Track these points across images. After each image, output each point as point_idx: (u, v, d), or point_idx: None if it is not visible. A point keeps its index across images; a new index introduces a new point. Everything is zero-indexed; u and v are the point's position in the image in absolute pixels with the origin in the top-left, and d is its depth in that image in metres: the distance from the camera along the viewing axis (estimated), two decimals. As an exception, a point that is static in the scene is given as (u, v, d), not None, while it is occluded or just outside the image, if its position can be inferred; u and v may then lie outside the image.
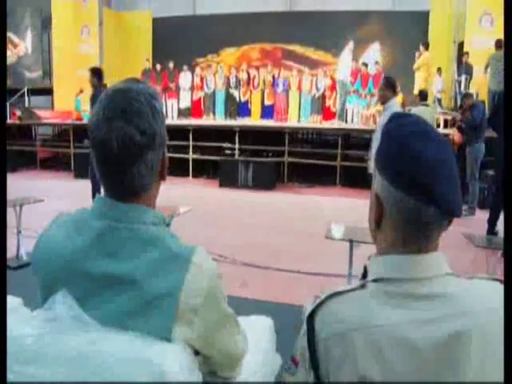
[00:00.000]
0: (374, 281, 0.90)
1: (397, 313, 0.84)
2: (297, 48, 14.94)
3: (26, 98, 14.74)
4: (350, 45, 10.08)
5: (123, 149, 1.00)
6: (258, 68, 13.71)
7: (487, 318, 0.85)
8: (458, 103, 9.70)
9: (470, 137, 7.11)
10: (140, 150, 1.02)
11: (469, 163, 7.15)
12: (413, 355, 0.81)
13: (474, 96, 9.76)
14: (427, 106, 8.30)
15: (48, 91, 14.84)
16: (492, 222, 5.62)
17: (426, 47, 10.35)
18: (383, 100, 5.10)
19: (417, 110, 8.54)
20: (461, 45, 11.38)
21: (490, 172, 8.07)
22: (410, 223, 0.89)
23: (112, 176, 1.05)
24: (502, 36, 9.16)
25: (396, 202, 0.89)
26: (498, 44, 8.99)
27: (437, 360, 0.82)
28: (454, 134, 7.75)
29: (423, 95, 8.38)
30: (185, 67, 13.73)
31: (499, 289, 0.93)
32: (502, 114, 5.22)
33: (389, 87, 5.07)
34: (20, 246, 4.33)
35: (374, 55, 13.79)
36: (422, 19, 12.85)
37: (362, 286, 0.90)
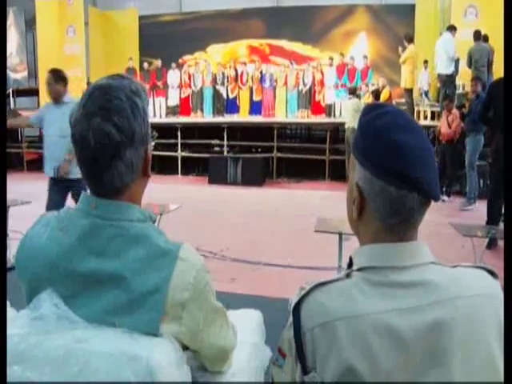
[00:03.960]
0: (359, 270, 0.90)
1: (381, 301, 0.84)
2: (284, 43, 14.91)
3: (12, 100, 14.59)
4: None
5: (100, 146, 0.99)
6: (245, 64, 13.68)
7: (471, 305, 0.86)
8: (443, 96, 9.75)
9: (470, 128, 7.10)
10: (117, 148, 1.00)
11: (468, 154, 7.14)
12: (397, 344, 0.82)
13: (461, 88, 9.83)
14: (359, 97, 9.28)
15: (34, 92, 14.70)
16: (491, 214, 5.38)
17: (410, 40, 10.37)
18: (56, 95, 4.58)
19: (350, 102, 9.02)
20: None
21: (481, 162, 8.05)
22: (395, 212, 0.89)
23: (91, 173, 1.04)
24: (486, 28, 9.20)
25: (380, 192, 0.89)
26: (476, 36, 8.94)
27: (421, 348, 0.82)
28: (442, 125, 7.79)
29: (351, 90, 9.38)
30: (173, 65, 13.67)
31: (484, 276, 0.93)
32: (495, 108, 5.20)
33: (59, 81, 4.61)
34: (7, 248, 4.30)
35: (362, 49, 13.81)
36: (408, 12, 12.91)
37: (347, 276, 0.90)
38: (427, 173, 0.89)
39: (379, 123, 0.91)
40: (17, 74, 15.59)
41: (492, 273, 0.95)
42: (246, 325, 1.43)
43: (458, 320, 0.84)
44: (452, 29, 9.26)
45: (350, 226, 1.02)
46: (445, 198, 7.71)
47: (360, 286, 0.87)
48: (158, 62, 13.90)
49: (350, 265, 0.95)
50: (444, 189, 7.95)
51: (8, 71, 14.82)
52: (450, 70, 9.39)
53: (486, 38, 9.07)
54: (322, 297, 0.87)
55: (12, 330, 0.96)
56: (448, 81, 9.56)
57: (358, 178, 0.93)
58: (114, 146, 1.00)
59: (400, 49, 10.74)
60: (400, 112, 0.96)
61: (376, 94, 9.23)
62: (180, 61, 14.95)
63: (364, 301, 0.84)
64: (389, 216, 0.90)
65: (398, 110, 0.96)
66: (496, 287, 0.93)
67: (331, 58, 12.75)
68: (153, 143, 1.13)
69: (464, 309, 0.85)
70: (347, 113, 9.17)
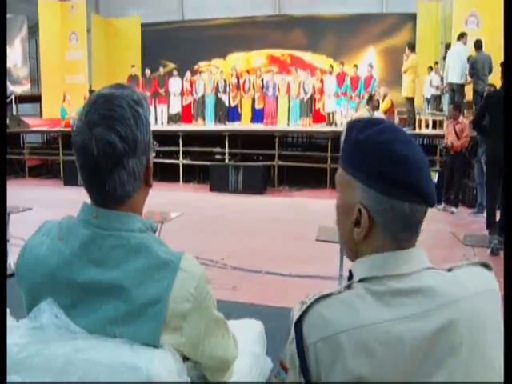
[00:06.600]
0: (360, 281, 0.90)
1: (383, 311, 0.84)
2: (307, 55, 14.88)
3: (14, 106, 14.61)
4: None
5: (103, 155, 0.99)
6: (248, 72, 13.68)
7: (472, 305, 0.87)
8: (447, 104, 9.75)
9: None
10: (120, 157, 1.00)
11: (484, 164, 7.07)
12: (401, 351, 0.82)
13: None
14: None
15: (36, 99, 14.73)
16: (489, 221, 5.57)
17: (412, 49, 10.41)
18: None
19: (359, 114, 8.80)
20: (448, 46, 11.47)
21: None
22: (406, 225, 0.90)
23: (93, 182, 1.04)
24: (488, 36, 9.20)
25: (391, 209, 0.88)
26: (477, 45, 8.89)
27: (426, 353, 0.82)
28: (449, 135, 7.61)
29: (376, 105, 8.91)
30: (174, 72, 13.69)
31: (479, 272, 0.95)
32: (492, 117, 5.33)
33: None
34: (8, 255, 4.30)
35: (368, 58, 13.85)
36: (411, 21, 12.98)
37: (348, 287, 0.90)
38: (431, 183, 0.91)
39: (382, 139, 0.90)
40: (20, 86, 15.51)
41: (486, 265, 0.97)
42: (247, 335, 1.42)
43: (461, 322, 0.85)
44: (462, 37, 9.21)
45: (346, 248, 1.00)
46: (453, 209, 7.46)
47: (362, 297, 0.86)
48: (160, 70, 13.86)
49: (350, 277, 0.95)
50: (450, 198, 7.74)
51: (9, 83, 14.72)
52: (462, 80, 9.41)
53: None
54: (324, 310, 0.86)
55: (12, 339, 0.96)
56: (459, 90, 9.58)
57: (360, 198, 0.91)
58: (116, 155, 1.00)
59: (404, 56, 10.78)
60: (397, 127, 0.97)
61: (371, 98, 9.12)
62: (196, 67, 15.12)
63: (366, 311, 0.84)
64: (400, 231, 0.90)
65: (394, 125, 0.97)
66: (492, 281, 0.94)
67: (331, 66, 12.78)
68: (153, 154, 1.13)
69: (466, 310, 0.86)
70: None
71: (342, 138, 0.97)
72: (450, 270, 0.94)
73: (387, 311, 0.84)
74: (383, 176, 0.88)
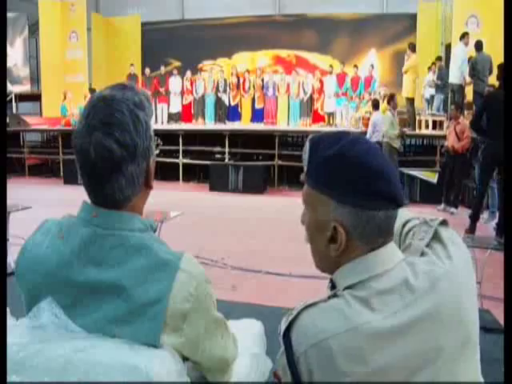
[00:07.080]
0: (344, 289, 0.90)
1: (370, 313, 0.84)
2: (313, 56, 14.81)
3: (14, 105, 14.60)
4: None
5: (101, 161, 0.98)
6: (248, 72, 13.67)
7: (450, 282, 0.89)
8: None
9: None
10: (119, 163, 1.00)
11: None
12: (393, 347, 0.82)
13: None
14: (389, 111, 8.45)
15: (36, 97, 14.72)
16: (473, 219, 5.87)
17: (413, 49, 10.41)
18: None
19: (380, 117, 8.57)
20: (448, 46, 11.46)
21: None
22: (382, 231, 0.90)
23: (92, 185, 1.03)
24: (488, 37, 9.19)
25: (367, 221, 0.88)
26: (477, 46, 8.84)
27: (416, 343, 0.84)
28: (450, 136, 7.59)
29: (376, 105, 8.84)
30: (175, 71, 13.68)
31: (448, 245, 0.95)
32: (491, 117, 5.44)
33: None
34: (8, 254, 4.30)
35: (371, 58, 13.83)
36: (411, 22, 12.97)
37: (334, 296, 0.90)
38: (400, 186, 0.93)
39: (353, 153, 0.90)
40: (20, 85, 15.46)
41: (443, 222, 1.00)
42: (247, 335, 1.42)
43: (445, 302, 0.87)
44: (463, 37, 9.19)
45: (321, 264, 0.99)
46: (453, 210, 7.42)
47: (348, 303, 0.86)
48: (161, 69, 13.83)
49: (333, 287, 0.95)
50: (450, 199, 7.75)
51: (9, 83, 14.66)
52: (460, 80, 9.40)
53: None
54: (312, 317, 0.86)
55: (11, 338, 0.95)
56: (459, 90, 9.58)
57: (334, 215, 0.90)
58: (115, 161, 0.99)
59: (405, 56, 10.78)
60: (362, 138, 0.97)
61: (375, 103, 9.09)
62: (200, 66, 15.12)
63: (354, 316, 0.84)
64: (376, 237, 0.91)
65: (360, 136, 0.97)
66: (457, 243, 0.97)
67: (331, 66, 12.76)
68: (157, 151, 1.13)
69: (446, 289, 0.88)
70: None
71: (306, 156, 0.95)
72: (422, 254, 0.95)
73: (374, 313, 0.84)
74: (359, 190, 0.88)
